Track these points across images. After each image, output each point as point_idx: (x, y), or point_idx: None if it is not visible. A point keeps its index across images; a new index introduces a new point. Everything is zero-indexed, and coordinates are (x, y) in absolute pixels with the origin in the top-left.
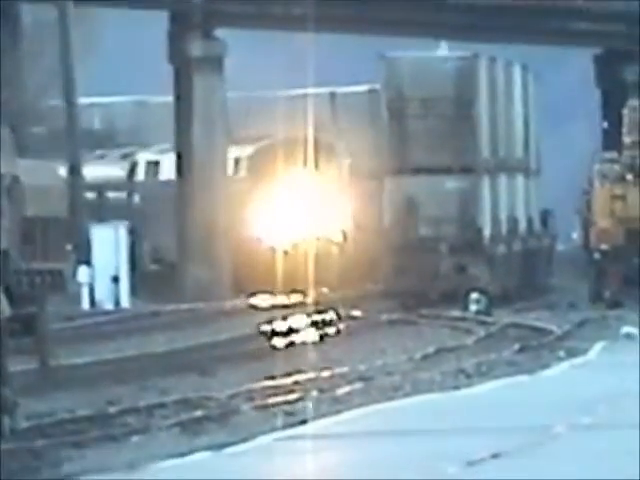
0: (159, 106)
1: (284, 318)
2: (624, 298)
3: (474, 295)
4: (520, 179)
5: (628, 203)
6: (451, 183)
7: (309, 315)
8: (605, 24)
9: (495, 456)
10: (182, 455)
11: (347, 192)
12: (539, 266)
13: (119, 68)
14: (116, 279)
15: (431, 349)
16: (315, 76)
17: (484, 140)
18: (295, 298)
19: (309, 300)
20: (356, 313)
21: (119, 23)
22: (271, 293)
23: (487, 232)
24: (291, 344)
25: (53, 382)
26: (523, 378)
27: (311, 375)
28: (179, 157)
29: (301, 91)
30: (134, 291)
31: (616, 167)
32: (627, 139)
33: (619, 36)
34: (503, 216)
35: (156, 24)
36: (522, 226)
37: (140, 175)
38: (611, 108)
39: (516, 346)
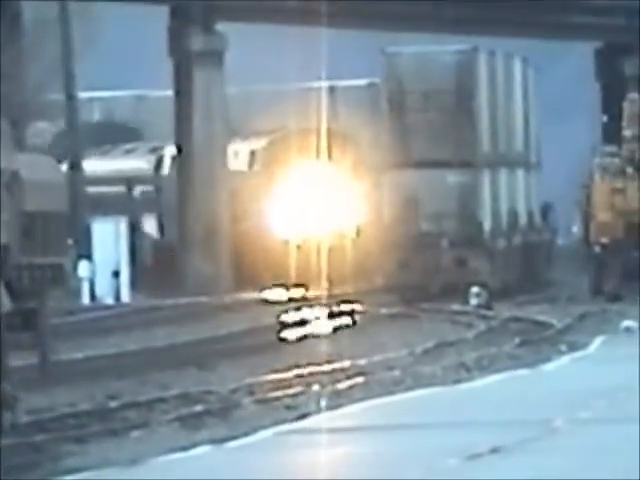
0: (159, 100)
1: (286, 312)
2: (624, 291)
3: (475, 289)
4: (520, 173)
5: (628, 196)
6: (451, 177)
7: (312, 309)
8: (605, 18)
9: (495, 450)
10: (183, 449)
11: (361, 183)
12: (539, 260)
13: (119, 63)
14: (117, 274)
15: (432, 343)
16: (315, 70)
17: (484, 134)
18: (297, 293)
19: (309, 295)
20: (357, 307)
21: (119, 17)
22: (281, 286)
23: (487, 226)
24: (292, 338)
25: (53, 377)
26: (524, 372)
27: (312, 369)
28: (179, 151)
29: (308, 84)
30: (134, 285)
31: (616, 161)
32: (627, 132)
33: (619, 30)
34: (503, 210)
35: (156, 18)
36: (522, 220)
37: (165, 169)
38: (611, 101)
39: (517, 340)
